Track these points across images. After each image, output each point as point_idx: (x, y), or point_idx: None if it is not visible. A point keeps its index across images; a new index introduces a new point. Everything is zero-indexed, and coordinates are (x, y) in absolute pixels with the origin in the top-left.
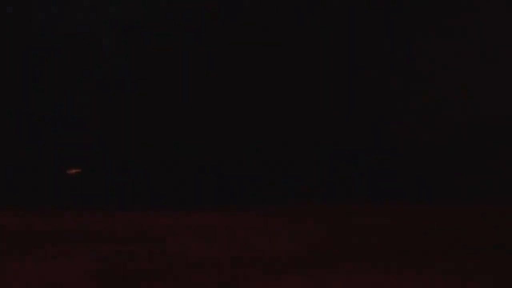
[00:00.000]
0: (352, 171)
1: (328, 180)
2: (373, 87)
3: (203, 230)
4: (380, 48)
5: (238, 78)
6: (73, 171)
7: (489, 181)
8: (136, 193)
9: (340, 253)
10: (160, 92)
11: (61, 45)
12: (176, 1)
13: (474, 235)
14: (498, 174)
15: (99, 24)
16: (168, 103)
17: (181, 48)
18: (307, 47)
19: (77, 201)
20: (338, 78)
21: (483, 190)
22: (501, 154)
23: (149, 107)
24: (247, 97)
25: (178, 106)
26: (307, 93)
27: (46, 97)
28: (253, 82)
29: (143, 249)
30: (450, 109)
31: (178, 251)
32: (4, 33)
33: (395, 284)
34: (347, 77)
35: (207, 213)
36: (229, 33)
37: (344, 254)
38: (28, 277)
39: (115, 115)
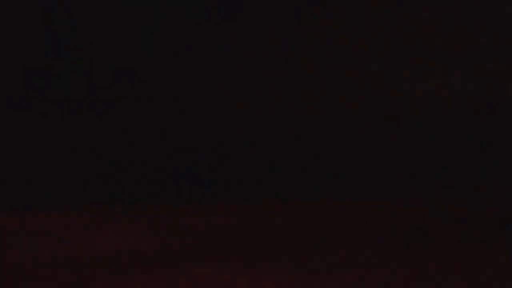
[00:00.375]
0: (182, 170)
1: (159, 180)
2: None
3: (46, 231)
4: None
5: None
6: None
7: (332, 176)
8: None
9: (184, 252)
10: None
11: None
12: None
13: (320, 231)
14: (344, 170)
15: None
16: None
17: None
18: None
19: None
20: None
21: (329, 186)
22: (344, 150)
23: None
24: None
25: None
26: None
27: None
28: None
29: None
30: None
31: (23, 253)
32: None
33: (244, 283)
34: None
35: (48, 214)
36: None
37: (188, 253)
38: None
39: None
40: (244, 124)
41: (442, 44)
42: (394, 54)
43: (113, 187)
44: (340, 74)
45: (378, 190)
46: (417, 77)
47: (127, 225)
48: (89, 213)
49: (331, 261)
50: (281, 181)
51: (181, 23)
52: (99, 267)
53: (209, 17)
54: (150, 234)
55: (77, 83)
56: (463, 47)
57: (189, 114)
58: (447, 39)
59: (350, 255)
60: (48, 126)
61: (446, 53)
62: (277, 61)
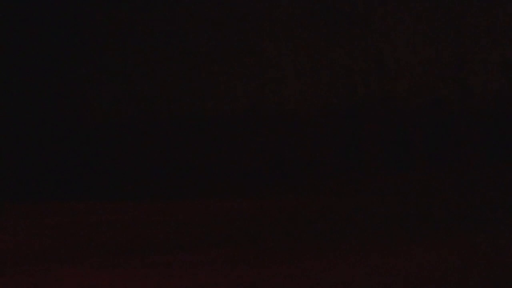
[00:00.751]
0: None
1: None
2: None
3: None
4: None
5: None
6: None
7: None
8: None
9: (47, 252)
10: None
11: None
12: None
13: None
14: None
15: None
16: None
17: None
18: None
19: None
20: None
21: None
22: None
23: None
24: None
25: None
26: None
27: None
28: None
29: None
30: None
31: None
32: None
33: (109, 282)
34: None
35: None
36: None
37: (51, 253)
38: None
39: None
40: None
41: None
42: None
43: None
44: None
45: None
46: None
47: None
48: None
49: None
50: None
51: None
52: None
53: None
54: (12, 234)
55: None
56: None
57: (53, 113)
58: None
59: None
60: None
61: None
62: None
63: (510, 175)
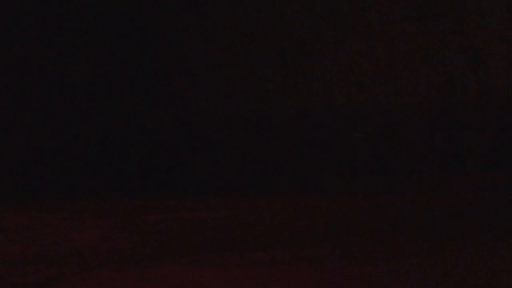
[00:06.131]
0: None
1: (125, 179)
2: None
3: (14, 229)
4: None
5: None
6: None
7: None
8: None
9: (150, 250)
10: None
11: None
12: None
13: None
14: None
15: None
16: None
17: None
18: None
19: None
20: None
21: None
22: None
23: None
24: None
25: None
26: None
27: None
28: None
29: None
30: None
31: None
32: None
33: (210, 280)
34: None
35: (16, 212)
36: None
37: (154, 251)
38: None
39: None
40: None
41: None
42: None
43: (83, 186)
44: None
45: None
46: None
47: (94, 222)
48: (57, 211)
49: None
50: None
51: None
52: (66, 264)
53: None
54: (117, 231)
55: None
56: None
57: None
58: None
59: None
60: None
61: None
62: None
63: None
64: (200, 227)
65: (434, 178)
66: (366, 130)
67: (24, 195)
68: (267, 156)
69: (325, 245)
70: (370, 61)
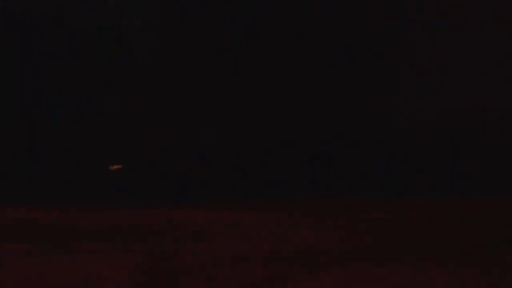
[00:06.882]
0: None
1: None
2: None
3: (235, 227)
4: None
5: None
6: (115, 167)
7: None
8: (173, 189)
9: (378, 248)
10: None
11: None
12: None
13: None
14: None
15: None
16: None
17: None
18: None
19: (119, 197)
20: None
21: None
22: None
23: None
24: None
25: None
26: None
27: (87, 92)
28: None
29: (182, 245)
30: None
31: (213, 248)
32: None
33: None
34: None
35: (238, 210)
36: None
37: (382, 249)
38: (69, 273)
39: (154, 113)
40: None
41: None
42: None
43: (311, 184)
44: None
45: None
46: None
47: (315, 221)
48: (281, 209)
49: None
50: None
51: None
52: (291, 262)
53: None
54: (336, 230)
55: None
56: None
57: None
58: None
59: None
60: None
61: None
62: None
63: None
64: (426, 227)
65: None
66: None
67: (238, 194)
68: (498, 154)
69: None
70: None
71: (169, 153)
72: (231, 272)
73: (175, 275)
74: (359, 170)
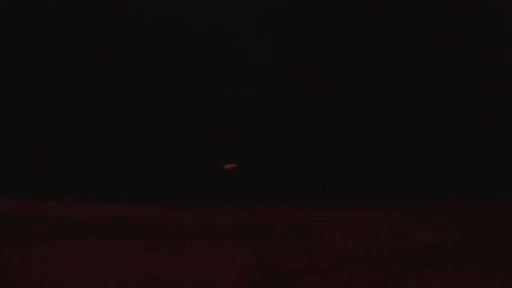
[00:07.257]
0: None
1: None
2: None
3: (351, 226)
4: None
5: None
6: (229, 166)
7: None
8: (289, 188)
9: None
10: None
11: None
12: None
13: None
14: None
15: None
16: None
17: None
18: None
19: (233, 196)
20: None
21: None
22: None
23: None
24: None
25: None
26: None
27: (198, 93)
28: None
29: (295, 244)
30: None
31: (329, 247)
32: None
33: None
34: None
35: (354, 209)
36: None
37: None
38: (181, 272)
39: (270, 112)
40: None
41: None
42: None
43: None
44: None
45: None
46: None
47: (433, 220)
48: (398, 209)
49: None
50: None
51: None
52: (408, 261)
53: None
54: (455, 229)
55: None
56: None
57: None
58: None
59: None
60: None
61: None
62: None
63: None
64: None
65: None
66: None
67: (353, 194)
68: None
69: None
70: None
71: (282, 153)
72: (346, 273)
73: (290, 275)
74: (483, 171)
